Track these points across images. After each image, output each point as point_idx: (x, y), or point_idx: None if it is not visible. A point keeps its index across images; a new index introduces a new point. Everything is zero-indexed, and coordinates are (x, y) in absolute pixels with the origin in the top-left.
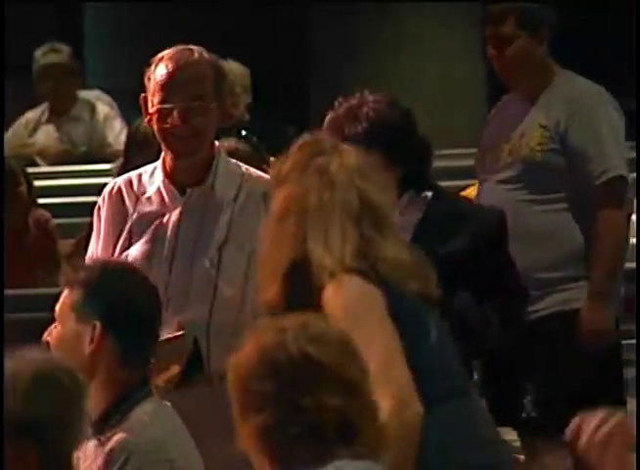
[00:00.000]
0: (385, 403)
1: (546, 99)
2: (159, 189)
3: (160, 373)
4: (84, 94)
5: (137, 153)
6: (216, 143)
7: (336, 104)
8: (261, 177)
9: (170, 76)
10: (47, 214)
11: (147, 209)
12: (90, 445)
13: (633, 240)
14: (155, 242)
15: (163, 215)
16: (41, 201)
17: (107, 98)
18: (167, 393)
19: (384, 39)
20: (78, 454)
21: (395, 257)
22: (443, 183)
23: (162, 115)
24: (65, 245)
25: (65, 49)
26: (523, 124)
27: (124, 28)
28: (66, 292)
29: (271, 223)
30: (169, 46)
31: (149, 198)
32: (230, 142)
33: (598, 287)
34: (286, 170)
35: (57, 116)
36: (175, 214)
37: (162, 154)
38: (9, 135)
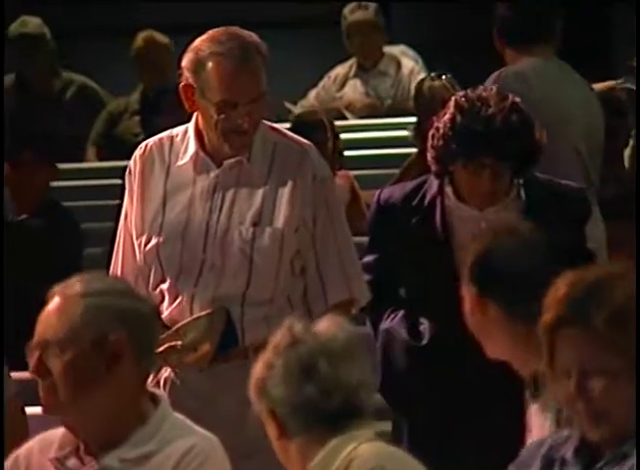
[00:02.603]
0: None
1: None
2: (192, 159)
3: (189, 353)
4: (390, 49)
5: (425, 109)
6: None
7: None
8: (295, 143)
9: (231, 78)
10: (350, 175)
11: (179, 179)
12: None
13: None
14: (188, 217)
15: (195, 188)
16: (348, 153)
17: (411, 53)
18: (200, 371)
19: None
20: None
21: None
22: None
23: (226, 111)
24: (367, 195)
25: (371, 6)
26: None
27: None
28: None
29: None
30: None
31: (181, 167)
32: None
33: None
34: None
35: (364, 70)
36: (208, 187)
37: (195, 119)
38: (318, 89)
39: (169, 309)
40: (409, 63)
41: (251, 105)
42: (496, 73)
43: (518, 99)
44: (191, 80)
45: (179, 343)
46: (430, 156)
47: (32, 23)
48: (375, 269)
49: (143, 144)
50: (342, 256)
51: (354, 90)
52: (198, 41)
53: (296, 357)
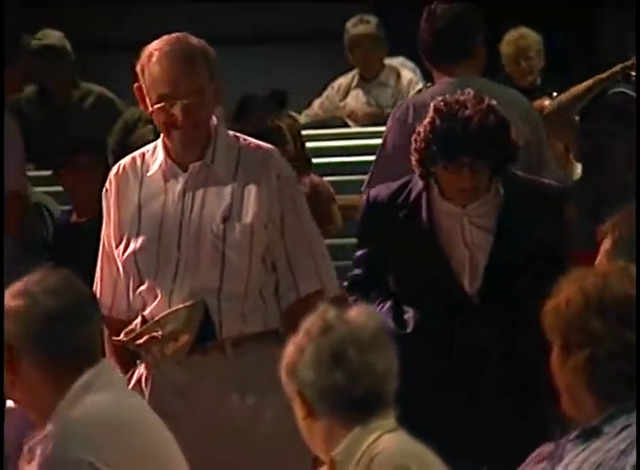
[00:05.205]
0: None
1: None
2: (160, 167)
3: (169, 343)
4: (390, 61)
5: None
6: (214, 118)
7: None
8: (258, 147)
9: (168, 72)
10: (318, 179)
11: (151, 188)
12: None
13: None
14: (162, 221)
15: (167, 193)
16: (351, 159)
17: (410, 64)
18: (178, 363)
19: None
20: None
21: None
22: None
23: (164, 109)
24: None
25: (372, 20)
26: None
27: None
28: None
29: None
30: None
31: (151, 177)
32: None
33: None
34: None
35: (366, 81)
36: (178, 191)
37: (162, 134)
38: (322, 99)
39: (150, 308)
40: (408, 74)
41: (187, 100)
42: (398, 105)
43: (494, 102)
44: (141, 81)
45: (159, 333)
46: (413, 159)
47: (54, 35)
48: (365, 263)
49: (117, 164)
50: (312, 248)
51: (356, 100)
52: (150, 45)
53: (327, 344)
